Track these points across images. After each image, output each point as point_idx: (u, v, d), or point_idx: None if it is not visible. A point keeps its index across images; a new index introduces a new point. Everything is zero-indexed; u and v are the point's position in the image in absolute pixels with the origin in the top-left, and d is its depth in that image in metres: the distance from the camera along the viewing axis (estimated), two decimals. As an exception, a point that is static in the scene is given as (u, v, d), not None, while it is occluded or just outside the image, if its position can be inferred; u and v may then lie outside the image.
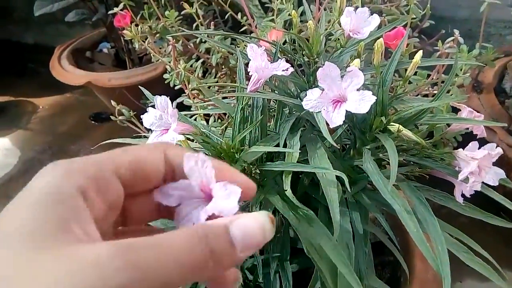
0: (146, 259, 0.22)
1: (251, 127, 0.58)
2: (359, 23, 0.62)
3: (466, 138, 0.90)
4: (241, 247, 0.25)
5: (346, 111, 0.52)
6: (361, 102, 0.51)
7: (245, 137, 0.61)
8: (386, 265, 0.87)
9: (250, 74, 0.59)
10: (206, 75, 1.41)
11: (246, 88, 0.62)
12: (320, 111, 0.53)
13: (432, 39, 1.30)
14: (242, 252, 0.25)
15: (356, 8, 0.61)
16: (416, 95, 1.00)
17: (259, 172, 0.58)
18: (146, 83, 1.61)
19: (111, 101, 1.15)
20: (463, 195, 0.60)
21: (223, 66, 1.36)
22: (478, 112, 1.08)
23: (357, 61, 0.57)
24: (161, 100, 0.55)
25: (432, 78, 1.00)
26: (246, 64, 0.66)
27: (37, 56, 2.40)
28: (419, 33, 1.27)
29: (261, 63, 0.57)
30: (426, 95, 1.03)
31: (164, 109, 0.55)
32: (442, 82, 1.03)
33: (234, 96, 0.60)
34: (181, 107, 1.36)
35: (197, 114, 0.73)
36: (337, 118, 0.52)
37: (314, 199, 0.69)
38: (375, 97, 0.50)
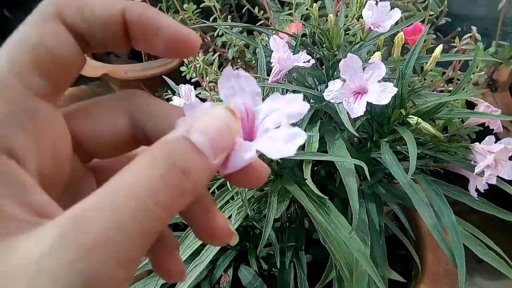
0: (105, 235, 0.16)
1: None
2: (380, 16, 0.63)
3: (479, 136, 0.91)
4: (211, 153, 0.19)
5: (367, 102, 0.53)
6: (382, 94, 0.52)
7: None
8: (397, 259, 0.88)
9: (272, 65, 0.60)
10: (222, 68, 1.43)
11: (267, 79, 0.63)
12: (341, 102, 0.54)
13: (447, 37, 1.30)
14: (215, 158, 0.20)
15: (377, 1, 0.62)
16: (433, 91, 1.00)
17: (280, 161, 0.60)
18: (161, 77, 1.63)
19: None
20: (477, 190, 0.61)
21: (238, 60, 1.37)
22: (493, 109, 1.08)
23: (377, 54, 0.58)
24: (186, 89, 0.57)
25: (448, 75, 1.00)
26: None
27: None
28: (434, 30, 1.27)
29: (283, 54, 0.58)
30: (441, 91, 1.03)
31: (188, 97, 0.56)
32: (458, 79, 1.04)
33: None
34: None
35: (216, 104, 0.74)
36: (358, 109, 0.53)
37: (330, 191, 0.70)
38: (396, 89, 0.51)
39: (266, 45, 0.82)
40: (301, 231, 0.71)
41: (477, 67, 1.04)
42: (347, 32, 0.78)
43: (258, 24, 1.36)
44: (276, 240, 0.74)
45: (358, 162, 0.51)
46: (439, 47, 0.59)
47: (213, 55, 1.32)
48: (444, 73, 1.06)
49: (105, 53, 1.95)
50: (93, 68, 1.71)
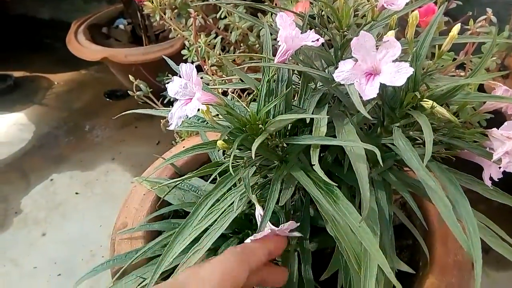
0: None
1: (278, 100, 0.57)
2: (393, -6, 0.59)
3: (490, 124, 0.87)
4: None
5: (380, 84, 0.49)
6: (397, 74, 0.48)
7: (269, 110, 0.60)
8: (404, 249, 0.86)
9: (278, 44, 0.57)
10: (224, 52, 1.39)
11: (273, 60, 0.60)
12: (353, 83, 0.51)
13: (458, 21, 1.26)
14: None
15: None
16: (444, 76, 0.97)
17: (285, 145, 0.57)
18: (162, 61, 1.59)
19: (129, 76, 1.14)
20: (490, 179, 0.58)
21: (241, 44, 1.33)
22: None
23: (391, 33, 0.54)
24: (187, 68, 0.53)
25: (460, 59, 0.96)
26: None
27: (53, 31, 2.40)
28: (444, 14, 1.23)
29: (291, 32, 0.55)
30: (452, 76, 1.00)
31: (189, 77, 0.53)
32: (471, 61, 1.00)
33: (259, 70, 0.58)
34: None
35: (215, 88, 0.71)
36: (370, 91, 0.49)
37: (338, 178, 0.67)
38: (413, 69, 0.47)
39: (271, 25, 0.78)
40: (306, 220, 0.68)
41: (490, 50, 1.00)
42: (356, 13, 0.75)
43: (263, 4, 1.32)
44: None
45: (369, 147, 0.48)
46: (457, 26, 0.56)
47: (215, 38, 1.29)
48: (455, 58, 1.02)
49: (105, 37, 1.91)
50: (93, 51, 1.67)
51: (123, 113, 0.72)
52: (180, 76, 0.56)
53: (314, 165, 0.51)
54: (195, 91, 0.53)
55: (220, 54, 1.29)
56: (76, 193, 1.57)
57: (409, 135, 0.60)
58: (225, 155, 0.74)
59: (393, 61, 0.49)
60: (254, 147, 0.51)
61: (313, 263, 0.70)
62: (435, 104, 0.54)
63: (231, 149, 0.54)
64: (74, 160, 1.71)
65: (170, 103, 1.39)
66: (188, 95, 0.55)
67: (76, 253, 1.36)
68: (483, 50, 0.99)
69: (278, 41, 0.56)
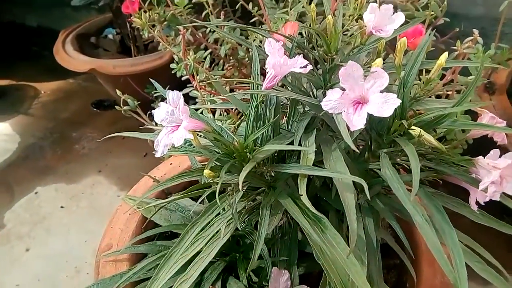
0: None
1: (265, 127, 0.56)
2: (382, 20, 0.59)
3: (477, 142, 0.88)
4: None
5: (368, 113, 0.49)
6: (384, 105, 0.48)
7: (257, 137, 0.59)
8: (392, 268, 0.86)
9: (266, 70, 0.57)
10: (213, 65, 1.38)
11: (261, 85, 0.59)
12: (341, 113, 0.51)
13: (445, 37, 1.27)
14: None
15: (381, 4, 0.58)
16: (429, 96, 0.97)
17: (273, 174, 0.56)
18: (151, 72, 1.58)
19: (116, 90, 1.12)
20: (477, 203, 0.58)
21: (231, 58, 1.33)
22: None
23: (379, 61, 0.54)
24: (174, 95, 0.52)
25: (447, 79, 0.97)
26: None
27: (40, 39, 2.37)
28: (432, 30, 1.24)
29: (279, 60, 0.54)
30: (438, 96, 1.00)
31: (176, 105, 0.52)
32: (458, 82, 1.01)
33: (247, 92, 0.57)
34: (186, 97, 1.34)
35: (203, 108, 0.70)
36: (358, 121, 0.49)
37: (325, 202, 0.67)
38: (400, 101, 0.47)
39: (259, 45, 0.78)
40: (294, 244, 0.67)
41: (477, 70, 1.01)
42: (345, 33, 0.75)
43: (252, 20, 1.32)
44: (268, 252, 0.71)
45: (357, 179, 0.48)
46: (445, 55, 0.56)
47: (205, 51, 1.28)
48: (443, 76, 1.03)
49: (93, 47, 1.89)
50: (80, 62, 1.65)
51: (109, 135, 0.70)
52: (167, 102, 0.55)
53: (302, 195, 0.51)
54: (182, 119, 0.52)
55: (208, 67, 1.29)
56: (61, 207, 1.54)
57: (397, 161, 0.60)
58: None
59: (380, 91, 0.49)
60: (241, 177, 0.51)
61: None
62: (422, 132, 0.54)
63: (219, 178, 0.53)
64: (59, 172, 1.68)
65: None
66: (175, 122, 0.54)
67: (60, 270, 1.33)
68: (471, 70, 1.00)
69: (266, 68, 0.56)
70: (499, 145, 0.63)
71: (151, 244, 0.81)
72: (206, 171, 0.53)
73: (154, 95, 1.31)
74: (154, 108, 1.58)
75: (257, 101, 0.59)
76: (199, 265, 0.61)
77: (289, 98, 0.63)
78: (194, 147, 0.62)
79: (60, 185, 1.64)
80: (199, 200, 0.67)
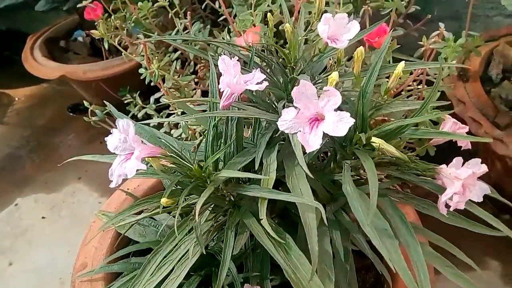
0: None
1: (224, 149, 0.55)
2: (337, 30, 0.57)
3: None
4: None
5: (324, 132, 0.48)
6: (339, 124, 0.47)
7: (219, 157, 0.58)
8: (370, 269, 0.86)
9: (221, 89, 0.55)
10: (185, 66, 1.35)
11: (219, 103, 0.57)
12: (296, 133, 0.49)
13: (418, 24, 1.25)
14: None
15: (335, 13, 0.56)
16: (400, 91, 0.97)
17: (233, 198, 0.55)
18: (123, 75, 1.54)
19: (90, 92, 1.09)
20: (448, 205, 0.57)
21: (202, 59, 1.30)
22: (463, 103, 1.04)
23: (335, 74, 0.53)
24: (124, 123, 0.50)
25: (418, 73, 0.96)
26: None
27: (11, 43, 2.29)
28: (404, 18, 1.22)
29: (232, 79, 0.53)
30: (410, 90, 1.00)
31: (127, 133, 0.50)
32: (427, 75, 1.00)
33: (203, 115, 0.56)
34: (158, 102, 1.31)
35: (167, 121, 0.68)
36: (314, 141, 0.48)
37: (294, 214, 0.66)
38: (353, 120, 0.46)
39: (229, 44, 0.75)
40: (266, 258, 0.67)
41: (446, 59, 1.00)
42: (310, 31, 0.73)
43: (221, 19, 1.29)
44: (242, 265, 0.71)
45: (315, 204, 0.47)
46: (401, 64, 0.55)
47: (174, 52, 1.25)
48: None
49: (63, 51, 1.84)
50: (50, 69, 1.61)
51: (69, 159, 0.68)
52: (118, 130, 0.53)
53: (262, 219, 0.50)
54: (135, 147, 0.51)
55: (179, 69, 1.26)
56: (43, 218, 1.52)
57: (360, 173, 0.60)
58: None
59: (335, 109, 0.48)
60: (199, 204, 0.49)
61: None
62: (383, 143, 0.53)
63: (178, 205, 0.52)
64: (39, 181, 1.65)
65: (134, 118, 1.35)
66: (129, 150, 0.52)
67: (45, 282, 1.31)
68: (440, 59, 0.99)
69: (221, 88, 0.54)
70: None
71: (125, 262, 0.80)
72: (163, 200, 0.52)
73: (125, 102, 1.28)
74: (129, 112, 1.54)
75: (215, 121, 0.58)
76: (169, 287, 0.60)
77: (247, 118, 0.62)
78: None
79: (40, 195, 1.62)
80: (171, 215, 0.66)
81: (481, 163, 0.55)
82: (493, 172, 1.21)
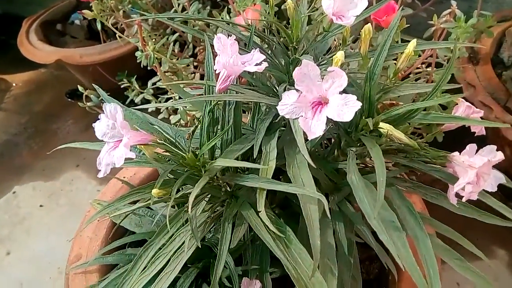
0: None
1: (220, 135, 0.51)
2: (343, 5, 0.53)
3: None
4: None
5: (327, 117, 0.44)
6: (344, 108, 0.43)
7: (215, 143, 0.54)
8: (374, 260, 0.83)
9: (217, 71, 0.51)
10: (184, 49, 1.31)
11: (215, 86, 0.53)
12: (298, 118, 0.45)
13: (426, 4, 1.20)
14: None
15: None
16: (409, 74, 0.92)
17: (230, 188, 0.51)
18: (120, 58, 1.50)
19: (87, 76, 1.05)
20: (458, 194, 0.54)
21: (201, 40, 1.25)
22: (473, 86, 0.99)
23: (340, 54, 0.49)
24: (111, 108, 0.47)
25: (427, 54, 0.91)
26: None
27: (7, 27, 2.23)
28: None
29: (229, 60, 0.49)
30: (419, 73, 0.95)
31: (114, 119, 0.46)
32: (437, 57, 0.95)
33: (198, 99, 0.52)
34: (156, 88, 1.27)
35: (159, 106, 0.64)
36: (317, 127, 0.44)
37: (295, 204, 0.63)
38: (360, 104, 0.42)
39: (229, 23, 0.71)
40: (265, 251, 0.64)
41: (457, 40, 0.95)
42: (314, 10, 0.68)
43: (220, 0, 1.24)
44: (240, 257, 0.68)
45: (317, 195, 0.43)
46: (413, 43, 0.50)
47: (173, 34, 1.20)
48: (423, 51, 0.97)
49: (60, 34, 1.79)
50: (45, 53, 1.56)
51: (60, 146, 0.65)
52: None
53: (260, 211, 0.46)
54: (123, 134, 0.47)
55: (178, 51, 1.21)
56: (41, 206, 1.49)
57: (366, 161, 0.56)
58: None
59: (340, 92, 0.44)
60: (192, 195, 0.46)
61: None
62: (391, 129, 0.49)
63: (171, 196, 0.49)
64: (36, 169, 1.63)
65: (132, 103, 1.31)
66: (118, 137, 0.48)
67: (43, 272, 1.29)
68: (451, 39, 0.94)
69: (216, 70, 0.50)
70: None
71: (120, 254, 0.77)
72: (155, 191, 0.48)
73: (122, 87, 1.24)
74: (127, 97, 1.49)
75: (211, 105, 0.54)
76: (164, 281, 0.57)
77: (246, 103, 0.58)
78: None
79: (38, 183, 1.59)
80: (167, 205, 0.62)
81: None
82: (503, 159, 1.16)
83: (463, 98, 0.58)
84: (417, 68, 0.92)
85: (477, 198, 0.53)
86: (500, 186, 0.58)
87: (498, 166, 0.56)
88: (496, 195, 1.27)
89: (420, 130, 1.01)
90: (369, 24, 0.52)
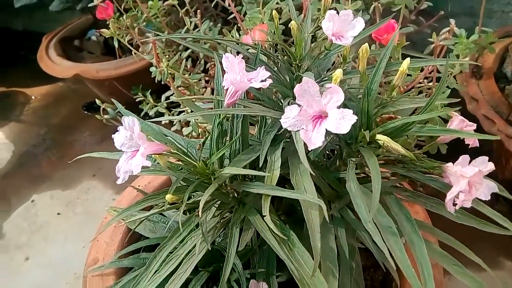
0: None
1: (227, 147, 0.55)
2: (342, 26, 0.57)
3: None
4: None
5: (326, 130, 0.48)
6: (342, 121, 0.47)
7: (224, 153, 0.58)
8: (379, 267, 0.85)
9: (225, 87, 0.55)
10: (196, 64, 1.36)
11: (223, 101, 0.58)
12: (299, 130, 0.49)
13: (431, 20, 1.23)
14: None
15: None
16: (411, 88, 0.95)
17: (238, 195, 0.55)
18: (136, 73, 1.56)
19: (104, 90, 1.11)
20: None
21: (212, 56, 1.31)
22: (476, 100, 1.02)
23: (339, 71, 0.53)
24: (129, 121, 0.51)
25: (429, 69, 0.95)
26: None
27: (27, 43, 2.34)
28: (416, 15, 1.21)
29: (236, 77, 0.53)
30: (421, 87, 0.98)
31: (132, 131, 0.51)
32: (438, 72, 0.98)
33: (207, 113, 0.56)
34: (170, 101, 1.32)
35: (172, 119, 0.69)
36: (316, 139, 0.48)
37: (300, 211, 0.66)
38: (356, 117, 0.46)
39: (237, 42, 0.76)
40: (272, 255, 0.67)
41: (458, 57, 0.99)
42: (318, 28, 0.73)
43: (230, 17, 1.29)
44: (248, 262, 0.71)
45: (316, 201, 0.47)
46: (406, 61, 0.54)
47: (185, 51, 1.26)
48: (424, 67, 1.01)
49: (77, 50, 1.87)
50: (64, 68, 1.64)
51: (79, 156, 0.70)
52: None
53: (265, 216, 0.50)
54: (140, 144, 0.51)
55: (190, 67, 1.27)
56: (58, 214, 1.55)
57: (366, 171, 0.59)
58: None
59: (337, 106, 0.48)
60: (202, 200, 0.50)
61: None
62: (387, 141, 0.53)
63: (183, 201, 0.53)
64: (54, 178, 1.69)
65: (146, 116, 1.37)
66: (135, 147, 0.53)
67: (60, 277, 1.34)
68: (452, 56, 0.98)
69: (224, 86, 0.55)
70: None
71: (135, 258, 0.81)
72: (168, 196, 0.53)
73: (137, 99, 1.30)
74: (141, 110, 1.56)
75: (219, 118, 0.58)
76: (176, 282, 0.61)
77: (253, 116, 0.62)
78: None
79: (55, 192, 1.65)
80: (179, 210, 0.66)
81: (496, 161, 0.54)
82: (507, 170, 1.18)
83: (467, 111, 0.61)
84: (419, 83, 0.95)
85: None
86: (507, 198, 0.60)
87: (504, 178, 0.58)
88: (501, 206, 1.29)
89: (424, 142, 1.04)
90: (366, 43, 0.56)
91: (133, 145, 0.53)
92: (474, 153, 0.53)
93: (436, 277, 0.76)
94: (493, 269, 1.21)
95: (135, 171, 0.50)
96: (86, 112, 1.97)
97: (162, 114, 1.36)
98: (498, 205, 1.22)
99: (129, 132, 0.53)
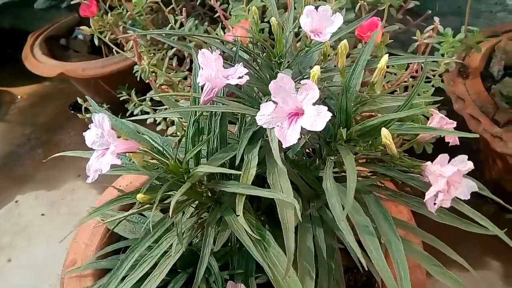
0: None
1: (202, 144, 0.54)
2: (321, 22, 0.56)
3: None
4: None
5: (302, 127, 0.47)
6: (317, 118, 0.46)
7: (200, 150, 0.57)
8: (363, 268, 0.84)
9: (200, 83, 0.54)
10: (183, 62, 1.35)
11: (199, 98, 0.57)
12: (274, 127, 0.48)
13: (418, 20, 1.23)
14: None
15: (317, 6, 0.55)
16: (396, 86, 0.95)
17: (213, 194, 0.54)
18: (121, 72, 1.54)
19: (90, 89, 1.08)
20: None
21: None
22: (463, 99, 1.02)
23: (316, 68, 0.52)
24: (99, 118, 0.50)
25: (413, 69, 0.94)
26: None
27: (13, 41, 2.30)
28: (404, 14, 1.20)
29: (211, 73, 0.52)
30: (406, 87, 0.98)
31: (102, 128, 0.50)
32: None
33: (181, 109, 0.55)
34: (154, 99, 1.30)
35: (152, 117, 0.67)
36: (292, 136, 0.47)
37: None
38: (331, 114, 0.45)
39: (223, 42, 0.75)
40: (251, 256, 0.65)
41: (444, 55, 0.98)
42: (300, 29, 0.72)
43: (217, 15, 1.28)
44: (228, 263, 0.70)
45: (290, 200, 0.46)
46: (385, 58, 0.53)
47: (171, 49, 1.24)
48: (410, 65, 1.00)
49: (64, 49, 1.85)
50: (49, 67, 1.61)
51: (54, 155, 0.68)
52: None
53: (238, 215, 0.49)
54: (110, 142, 0.50)
55: (176, 65, 1.25)
56: (42, 215, 1.53)
57: (344, 170, 0.58)
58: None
59: (313, 103, 0.47)
60: (173, 200, 0.49)
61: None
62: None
63: (155, 201, 0.51)
64: (39, 179, 1.66)
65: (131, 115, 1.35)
66: (105, 145, 0.52)
67: (43, 279, 1.32)
68: (437, 55, 0.97)
69: (199, 82, 0.53)
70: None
71: (113, 259, 0.79)
72: (140, 196, 0.51)
73: (121, 98, 1.28)
74: (127, 109, 1.53)
75: (195, 116, 0.57)
76: (150, 284, 0.59)
77: (232, 113, 0.61)
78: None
79: (40, 192, 1.63)
80: (152, 213, 0.65)
81: (483, 161, 0.53)
82: (494, 171, 1.18)
83: (453, 110, 0.61)
84: (404, 81, 0.95)
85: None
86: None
87: (490, 178, 0.57)
88: (490, 207, 1.28)
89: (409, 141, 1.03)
90: (345, 40, 0.55)
91: (104, 143, 0.52)
92: (462, 154, 0.53)
93: (419, 278, 0.75)
94: (480, 269, 1.21)
95: (104, 170, 0.49)
96: (72, 111, 1.94)
97: (147, 113, 1.34)
98: (486, 206, 1.22)
99: (100, 129, 0.51)
